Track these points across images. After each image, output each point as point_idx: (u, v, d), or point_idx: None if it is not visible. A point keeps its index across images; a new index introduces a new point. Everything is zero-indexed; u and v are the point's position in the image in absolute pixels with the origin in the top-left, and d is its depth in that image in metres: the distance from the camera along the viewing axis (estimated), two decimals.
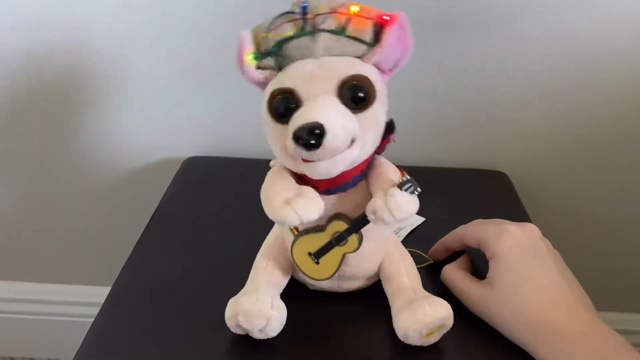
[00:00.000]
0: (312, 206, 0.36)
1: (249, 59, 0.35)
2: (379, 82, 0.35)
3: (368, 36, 0.35)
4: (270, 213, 0.37)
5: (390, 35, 0.34)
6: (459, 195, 0.61)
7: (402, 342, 0.39)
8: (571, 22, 0.58)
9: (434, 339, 0.39)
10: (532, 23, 0.58)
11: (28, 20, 0.60)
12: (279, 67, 0.36)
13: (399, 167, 0.39)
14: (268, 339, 0.39)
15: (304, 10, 0.35)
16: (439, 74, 0.62)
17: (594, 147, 0.66)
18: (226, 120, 0.66)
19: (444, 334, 0.40)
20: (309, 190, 0.37)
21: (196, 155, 0.68)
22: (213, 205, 0.57)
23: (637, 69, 0.60)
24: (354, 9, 0.35)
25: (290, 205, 0.35)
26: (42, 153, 0.69)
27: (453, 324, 0.39)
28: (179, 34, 0.60)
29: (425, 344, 0.39)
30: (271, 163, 0.41)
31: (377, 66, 0.36)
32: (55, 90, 0.64)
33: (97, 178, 0.71)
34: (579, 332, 0.37)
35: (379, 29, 0.35)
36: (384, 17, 0.35)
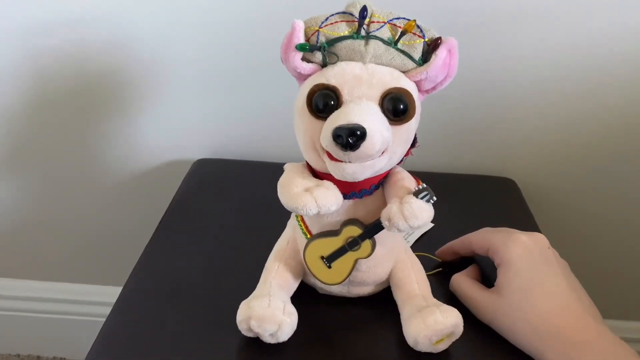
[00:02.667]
0: (331, 196, 0.36)
1: (298, 48, 0.35)
2: (418, 100, 0.36)
3: (417, 54, 0.36)
4: (287, 200, 0.36)
5: (438, 58, 0.35)
6: (468, 201, 0.61)
7: (412, 349, 0.39)
8: (580, 29, 0.58)
9: (443, 346, 0.39)
10: (541, 29, 0.58)
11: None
12: (323, 64, 0.36)
13: (412, 174, 0.39)
14: (278, 342, 0.39)
15: (363, 14, 0.35)
16: None
17: (603, 154, 0.66)
18: (236, 122, 0.66)
19: (453, 342, 0.40)
20: (329, 183, 0.37)
21: (206, 157, 0.68)
22: (223, 207, 0.57)
23: None
24: (410, 25, 0.35)
25: (309, 192, 0.36)
26: (53, 153, 0.70)
27: (463, 332, 0.39)
28: (189, 38, 0.61)
29: (435, 351, 0.39)
30: (285, 166, 0.41)
31: (418, 85, 0.37)
32: (66, 91, 0.65)
33: (108, 179, 0.71)
34: (588, 340, 0.37)
35: (429, 49, 0.36)
36: (436, 40, 0.36)
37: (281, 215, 0.45)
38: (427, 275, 0.44)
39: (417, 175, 0.39)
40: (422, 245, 0.51)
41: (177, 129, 0.67)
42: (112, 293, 0.46)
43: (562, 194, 0.69)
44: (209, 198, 0.59)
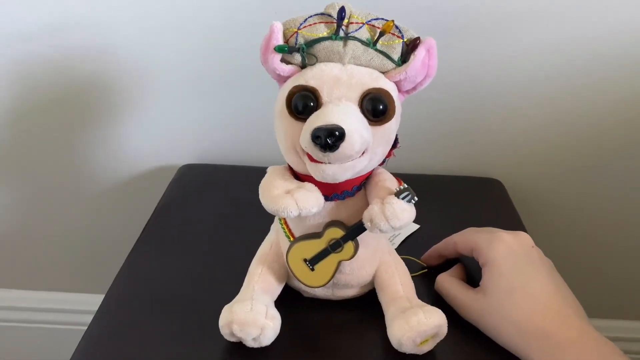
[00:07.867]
0: (312, 198, 0.36)
1: (277, 50, 0.35)
2: (397, 100, 0.36)
3: (396, 54, 0.36)
4: (268, 203, 0.36)
5: (417, 58, 0.35)
6: (454, 202, 0.61)
7: (396, 350, 0.39)
8: (566, 31, 0.59)
9: (427, 347, 0.39)
10: (527, 32, 0.59)
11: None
12: (303, 65, 0.36)
13: (395, 175, 0.39)
14: (261, 347, 0.39)
15: (341, 15, 0.35)
16: (434, 82, 0.62)
17: (589, 155, 0.66)
18: (221, 128, 0.66)
19: (438, 343, 0.40)
20: (310, 185, 0.37)
21: (191, 162, 0.68)
22: (208, 213, 0.57)
23: (632, 78, 0.61)
24: (389, 25, 0.35)
25: (290, 195, 0.36)
26: (36, 159, 0.69)
27: (447, 333, 0.39)
28: (174, 44, 0.61)
29: (419, 353, 0.39)
30: (268, 169, 0.41)
31: (398, 85, 0.37)
32: (50, 98, 0.64)
33: (92, 185, 0.71)
34: (571, 339, 0.37)
35: (408, 49, 0.36)
36: (415, 40, 0.36)
37: (267, 220, 0.45)
38: (412, 276, 0.44)
39: (404, 177, 0.39)
40: (409, 248, 0.51)
41: (162, 134, 0.67)
42: (99, 302, 0.45)
43: (548, 193, 0.70)
44: (194, 203, 0.59)
